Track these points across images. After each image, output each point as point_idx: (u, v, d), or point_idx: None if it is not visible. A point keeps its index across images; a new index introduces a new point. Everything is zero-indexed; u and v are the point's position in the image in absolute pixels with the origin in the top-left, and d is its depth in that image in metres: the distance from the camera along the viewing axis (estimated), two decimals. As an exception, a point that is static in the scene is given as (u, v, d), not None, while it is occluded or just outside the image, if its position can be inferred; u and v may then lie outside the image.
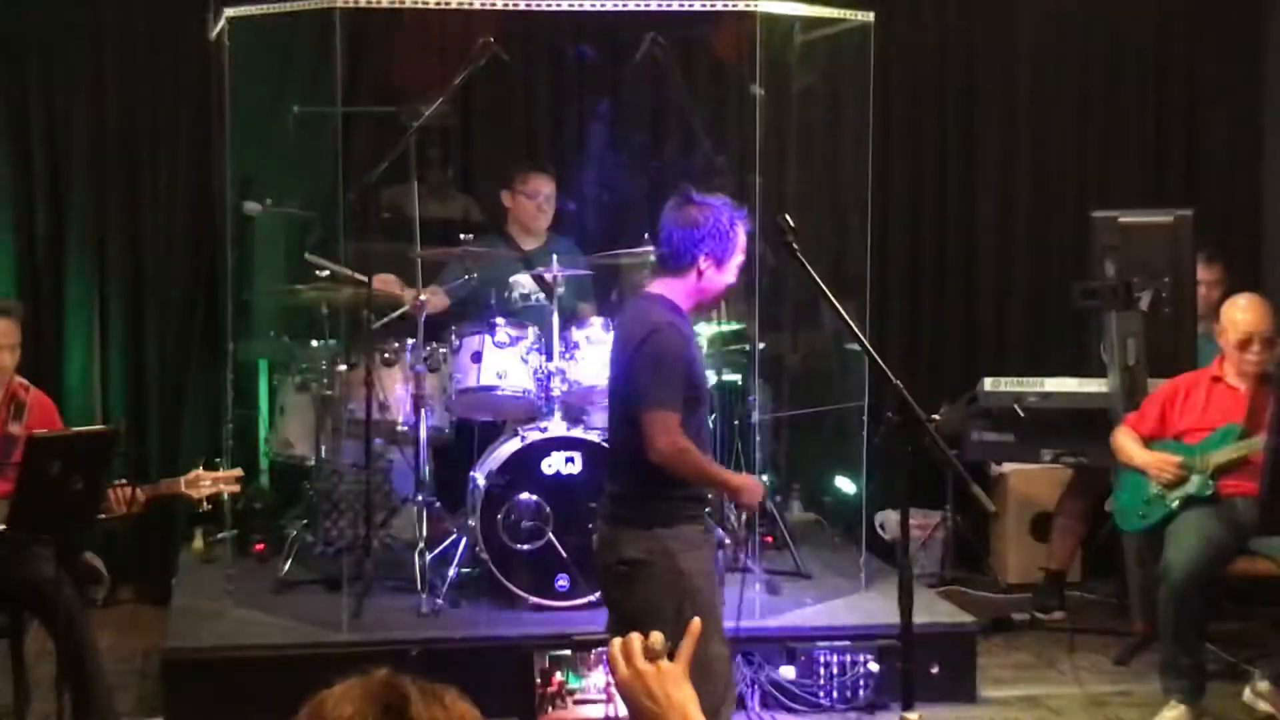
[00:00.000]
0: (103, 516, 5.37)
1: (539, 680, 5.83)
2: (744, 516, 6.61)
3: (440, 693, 1.72)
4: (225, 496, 6.17)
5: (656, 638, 2.11)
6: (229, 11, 6.63)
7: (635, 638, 2.12)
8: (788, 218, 4.09)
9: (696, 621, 2.20)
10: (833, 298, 4.08)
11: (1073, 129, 8.83)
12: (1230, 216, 8.67)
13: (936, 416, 8.03)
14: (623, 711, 3.90)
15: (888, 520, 8.14)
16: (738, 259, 4.73)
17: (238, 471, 5.81)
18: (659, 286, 4.80)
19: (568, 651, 5.86)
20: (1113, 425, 6.86)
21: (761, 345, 7.22)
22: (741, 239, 4.72)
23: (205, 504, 5.75)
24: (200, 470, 5.74)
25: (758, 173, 6.35)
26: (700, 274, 4.69)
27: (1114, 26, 8.84)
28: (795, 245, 4.02)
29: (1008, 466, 8.33)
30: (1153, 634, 6.88)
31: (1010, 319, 8.88)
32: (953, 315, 8.83)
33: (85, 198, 7.93)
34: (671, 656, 2.11)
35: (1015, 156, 8.85)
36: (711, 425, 7.23)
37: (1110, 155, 8.84)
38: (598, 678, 5.86)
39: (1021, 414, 7.43)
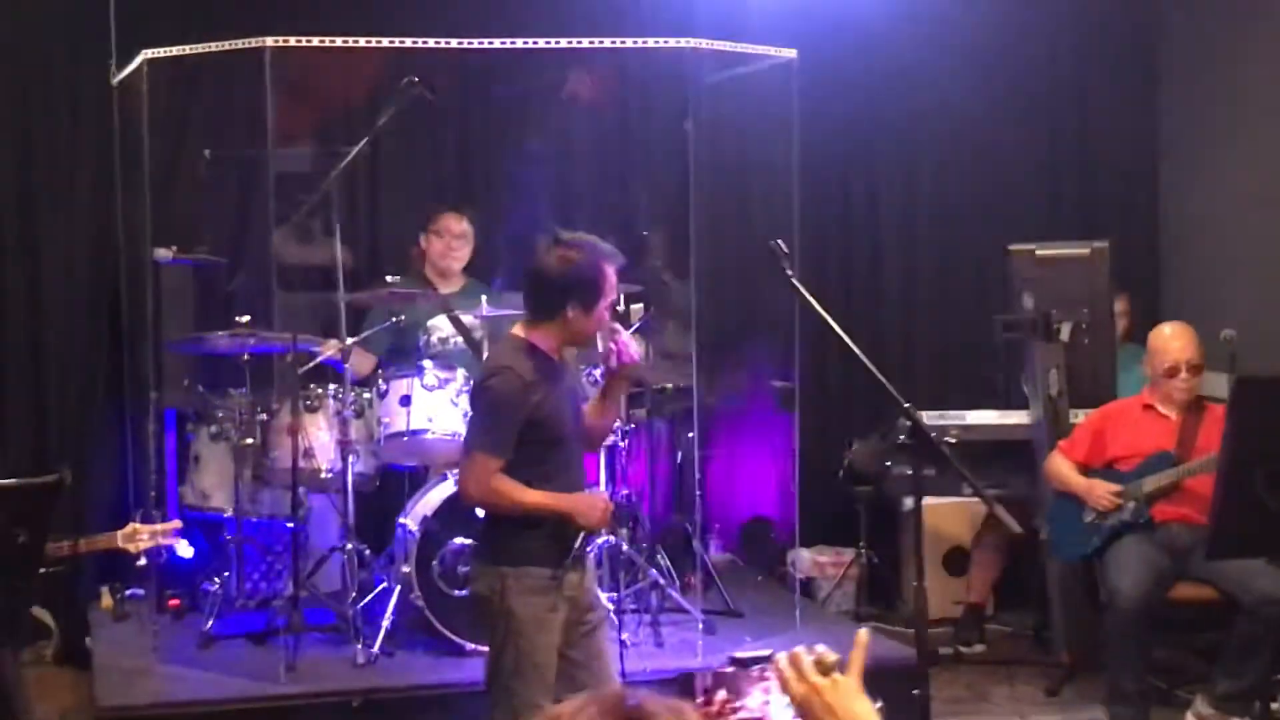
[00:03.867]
0: (42, 570, 5.16)
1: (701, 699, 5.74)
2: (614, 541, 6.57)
3: (678, 707, 1.66)
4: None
5: (825, 651, 2.06)
6: (148, 53, 6.48)
7: (803, 651, 2.07)
8: (780, 243, 4.07)
9: (864, 632, 2.15)
10: (831, 320, 4.06)
11: (971, 164, 8.92)
12: (1129, 248, 8.82)
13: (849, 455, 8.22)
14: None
15: (799, 558, 8.13)
16: (606, 301, 4.72)
17: (176, 523, 5.65)
18: (521, 329, 4.80)
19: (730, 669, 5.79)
20: (1035, 457, 6.94)
21: (670, 386, 7.25)
22: (611, 280, 4.72)
23: (142, 558, 5.58)
24: (137, 524, 5.57)
25: (691, 205, 6.35)
26: (567, 320, 4.69)
27: (1007, 59, 8.93)
28: (789, 270, 3.99)
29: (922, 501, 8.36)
30: (1076, 664, 6.96)
31: (917, 354, 8.94)
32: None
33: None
34: (841, 670, 2.06)
35: (917, 193, 8.92)
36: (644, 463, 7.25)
37: (1009, 190, 8.94)
38: (756, 697, 5.76)
39: (949, 446, 7.46)
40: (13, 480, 5.09)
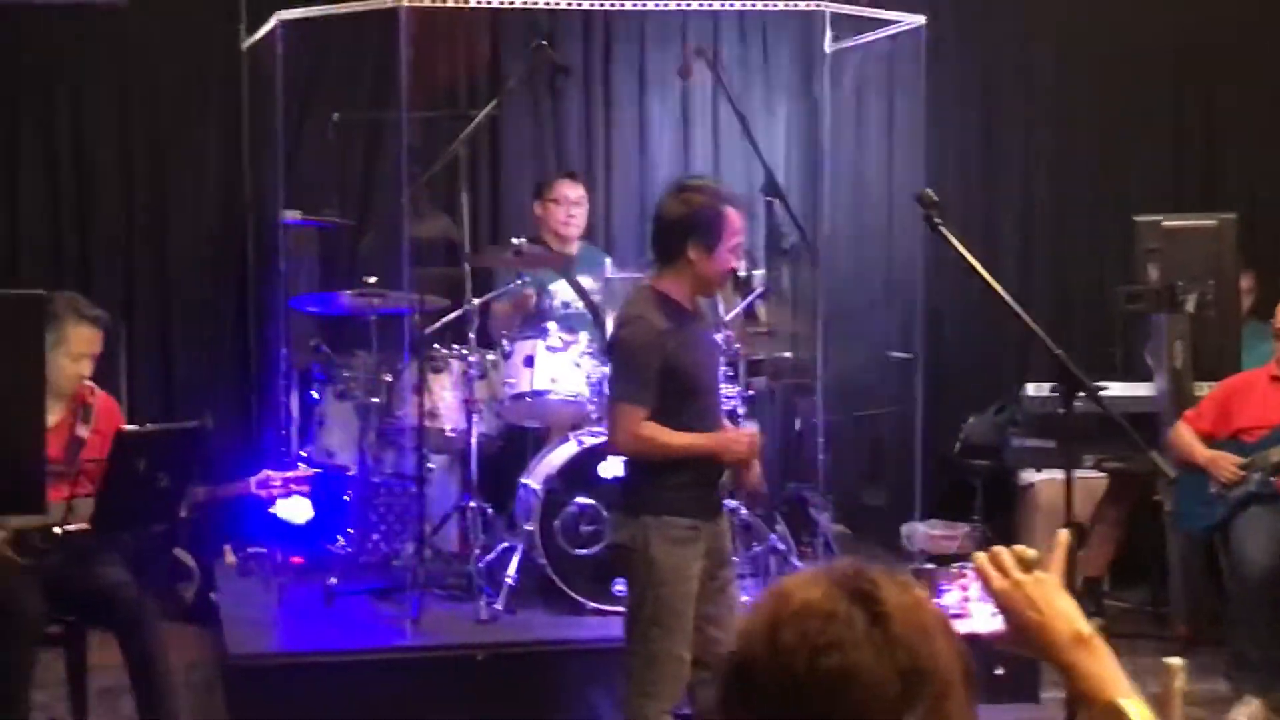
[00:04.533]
0: (182, 515, 5.27)
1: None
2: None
3: (902, 579, 1.68)
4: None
5: (1025, 549, 2.07)
6: (282, 14, 6.56)
7: (1003, 550, 2.08)
8: (929, 192, 4.06)
9: (1064, 533, 2.17)
10: (985, 273, 4.04)
11: (1095, 133, 8.83)
12: (1256, 223, 8.70)
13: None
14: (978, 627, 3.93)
15: (914, 532, 8.11)
16: (731, 242, 4.74)
17: (307, 470, 5.74)
18: (654, 279, 4.83)
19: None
20: (1158, 429, 6.89)
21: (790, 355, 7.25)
22: (734, 223, 4.73)
23: (275, 509, 5.68)
24: (269, 472, 5.67)
25: (824, 172, 6.35)
26: (691, 263, 4.71)
27: (1133, 23, 8.81)
28: (938, 220, 3.98)
29: (1036, 476, 8.32)
30: (1194, 637, 6.91)
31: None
32: (976, 325, 8.80)
33: (112, 213, 7.82)
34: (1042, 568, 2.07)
35: (1037, 162, 8.86)
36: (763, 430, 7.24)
37: (1132, 162, 8.84)
38: (954, 594, 5.85)
39: (1077, 414, 7.40)
40: (156, 425, 5.20)
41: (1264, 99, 8.89)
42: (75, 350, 5.40)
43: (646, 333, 4.67)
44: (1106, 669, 1.95)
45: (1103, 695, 1.93)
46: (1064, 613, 1.99)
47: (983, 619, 5.64)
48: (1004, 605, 2.07)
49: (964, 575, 6.14)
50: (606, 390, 5.08)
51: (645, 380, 4.67)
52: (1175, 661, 2.02)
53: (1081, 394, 3.83)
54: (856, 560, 1.72)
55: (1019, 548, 2.04)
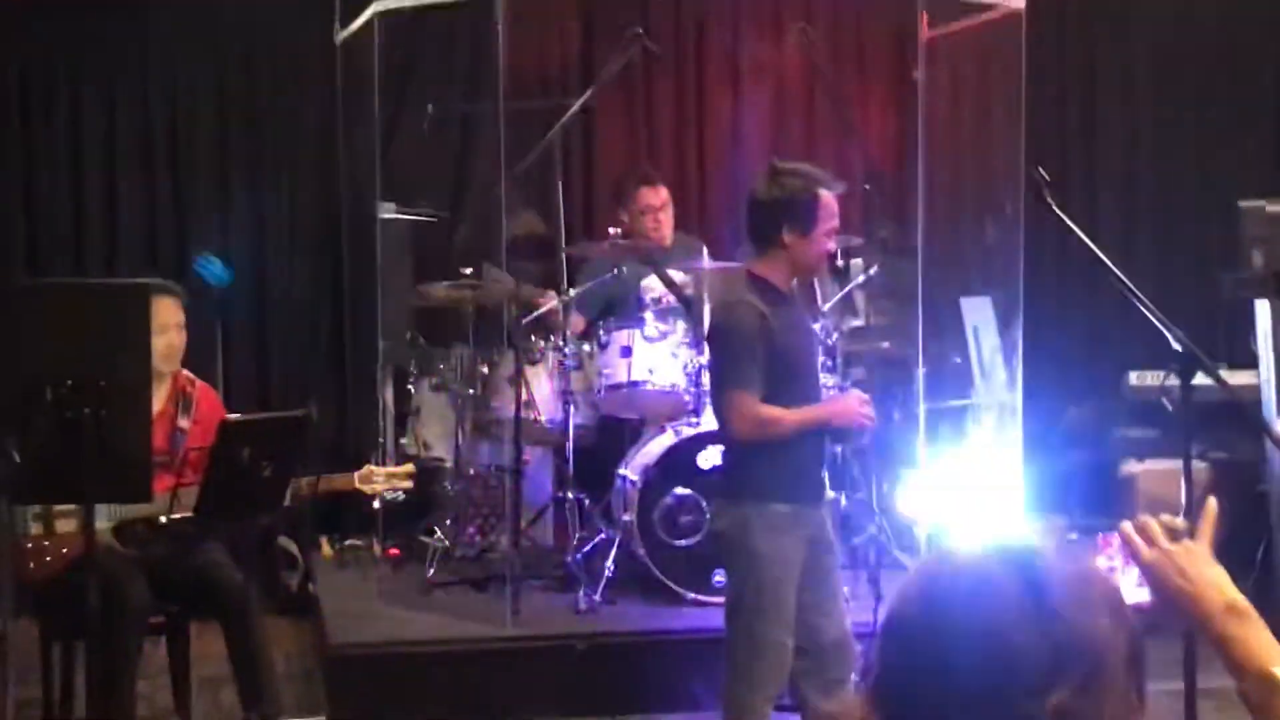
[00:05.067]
0: (285, 505, 5.28)
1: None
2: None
3: (1074, 551, 1.65)
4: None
5: (1173, 518, 2.02)
6: (378, 6, 6.57)
7: (1150, 519, 2.03)
8: (1042, 170, 3.99)
9: (1213, 501, 2.11)
10: (1098, 251, 3.97)
11: (1196, 116, 8.69)
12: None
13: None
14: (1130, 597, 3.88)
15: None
16: (826, 226, 4.69)
17: (409, 467, 5.73)
18: (750, 264, 4.80)
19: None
20: (1263, 418, 6.77)
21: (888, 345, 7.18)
22: (829, 205, 4.69)
23: (376, 501, 5.67)
24: (372, 466, 5.68)
25: (920, 158, 6.28)
26: (786, 246, 4.66)
27: (1242, 6, 8.69)
28: (1051, 200, 3.91)
29: (1138, 467, 8.20)
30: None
31: (1134, 312, 8.65)
32: (1076, 312, 8.67)
33: (209, 203, 7.88)
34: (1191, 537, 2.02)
35: (1138, 144, 8.72)
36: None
37: (1236, 146, 8.69)
38: (1099, 564, 5.81)
39: (1170, 408, 7.32)
40: (262, 414, 5.21)
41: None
42: (158, 322, 5.41)
43: (748, 316, 4.64)
44: (1260, 638, 1.90)
45: (1256, 664, 1.87)
46: (1215, 582, 1.94)
47: (1127, 590, 5.56)
48: (1152, 576, 2.01)
49: (1109, 544, 6.07)
50: (709, 380, 5.00)
51: (752, 363, 4.63)
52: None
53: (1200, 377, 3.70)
54: (1026, 535, 1.67)
55: (1167, 516, 1.98)
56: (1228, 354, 7.57)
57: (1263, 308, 6.94)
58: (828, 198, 4.69)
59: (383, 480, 5.60)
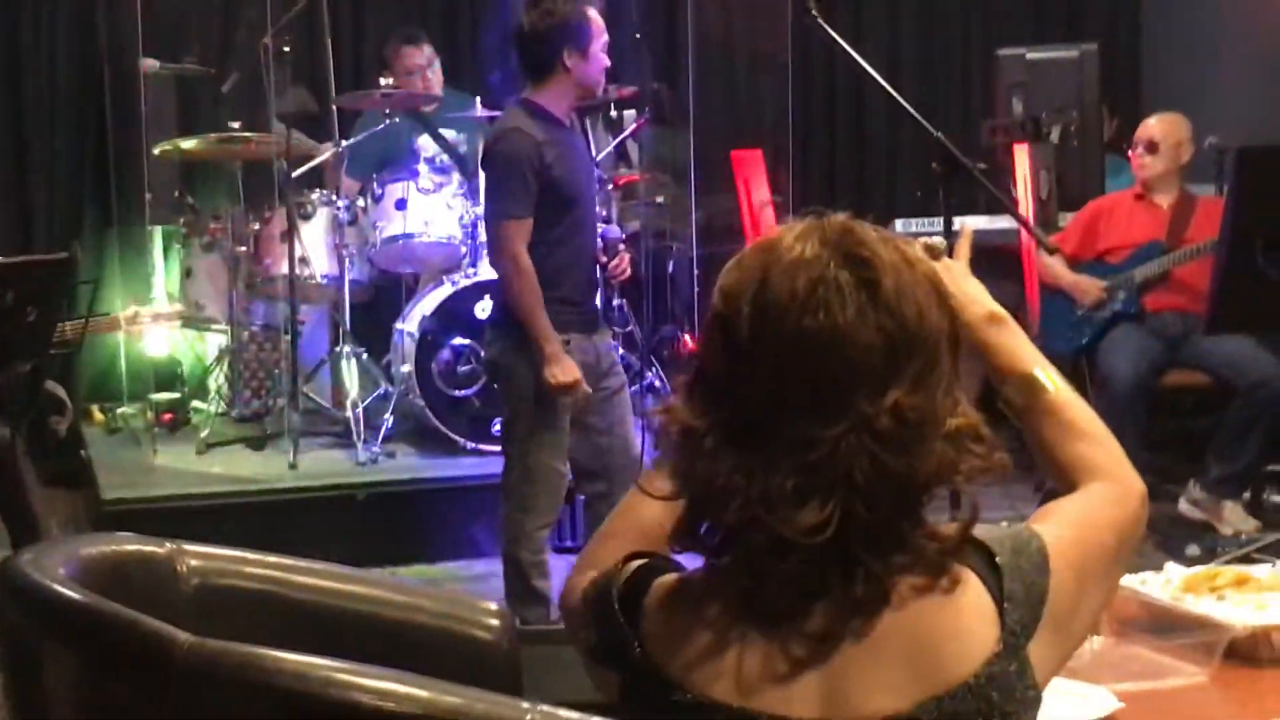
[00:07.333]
0: (53, 351, 5.16)
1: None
2: None
3: (895, 237, 1.65)
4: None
5: (932, 239, 2.07)
6: None
7: (911, 240, 2.08)
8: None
9: (968, 223, 2.18)
10: (874, 72, 4.01)
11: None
12: (1114, 57, 8.76)
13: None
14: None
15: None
16: (601, 40, 4.77)
17: (179, 308, 5.65)
18: (526, 94, 4.80)
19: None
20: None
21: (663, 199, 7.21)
22: (598, 22, 4.76)
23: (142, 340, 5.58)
24: (138, 307, 5.59)
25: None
26: (569, 70, 4.71)
27: None
28: (819, 17, 3.93)
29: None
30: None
31: (901, 161, 8.79)
32: (845, 163, 8.80)
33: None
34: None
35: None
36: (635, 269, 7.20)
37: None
38: None
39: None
40: (20, 257, 5.08)
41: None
42: None
43: (523, 143, 4.65)
44: (1020, 343, 1.97)
45: (1019, 367, 1.95)
46: (974, 295, 1.99)
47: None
48: None
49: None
50: (485, 208, 5.02)
51: (524, 191, 4.64)
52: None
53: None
54: (849, 218, 1.66)
55: (925, 238, 2.03)
56: (988, 204, 7.76)
57: (1021, 152, 7.13)
58: (594, 14, 4.75)
59: (150, 320, 5.52)
